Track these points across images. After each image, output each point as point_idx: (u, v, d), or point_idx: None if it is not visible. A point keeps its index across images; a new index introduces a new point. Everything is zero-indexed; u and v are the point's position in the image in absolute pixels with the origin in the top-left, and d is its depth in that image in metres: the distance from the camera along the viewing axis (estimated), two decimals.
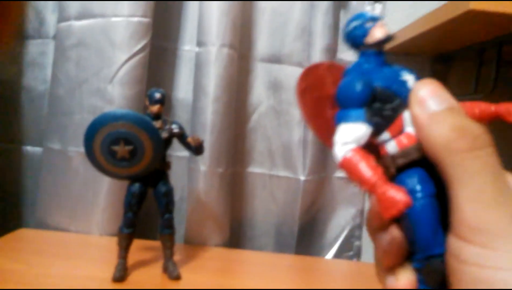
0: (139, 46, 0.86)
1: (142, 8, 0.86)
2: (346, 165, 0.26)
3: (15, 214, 1.00)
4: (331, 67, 0.31)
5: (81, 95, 0.88)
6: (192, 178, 0.91)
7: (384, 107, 0.27)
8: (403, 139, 0.26)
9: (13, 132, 1.00)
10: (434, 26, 0.72)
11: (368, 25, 0.27)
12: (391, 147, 0.27)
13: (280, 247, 1.01)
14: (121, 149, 0.65)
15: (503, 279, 0.22)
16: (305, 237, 1.00)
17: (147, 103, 0.69)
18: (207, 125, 0.88)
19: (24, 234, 0.88)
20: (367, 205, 0.99)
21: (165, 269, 0.71)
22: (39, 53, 0.99)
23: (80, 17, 0.88)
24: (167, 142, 0.71)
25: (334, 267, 0.93)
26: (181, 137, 0.72)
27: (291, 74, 0.97)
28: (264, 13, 0.98)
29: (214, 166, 0.89)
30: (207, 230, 0.93)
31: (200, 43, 0.91)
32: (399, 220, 0.26)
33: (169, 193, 0.71)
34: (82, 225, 0.89)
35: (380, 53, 0.28)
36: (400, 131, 0.27)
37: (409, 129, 0.26)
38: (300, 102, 0.31)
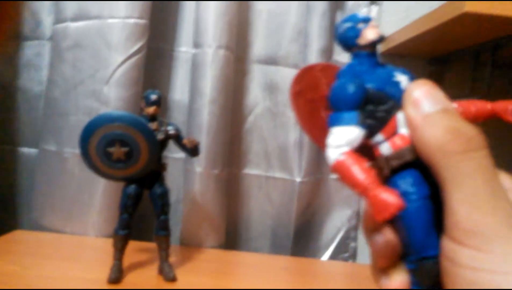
0: (135, 48, 0.86)
1: (138, 10, 0.86)
2: (339, 168, 0.26)
3: (10, 216, 1.00)
4: (325, 69, 0.31)
5: (77, 97, 0.88)
6: (188, 179, 0.91)
7: (377, 109, 0.27)
8: (397, 140, 0.26)
9: (9, 133, 1.00)
10: (430, 28, 0.72)
11: (359, 26, 0.27)
12: (385, 148, 0.27)
13: (276, 248, 1.01)
14: (117, 151, 0.65)
15: (497, 282, 0.22)
16: (301, 239, 1.00)
17: (143, 104, 0.69)
18: (203, 126, 0.88)
19: (19, 236, 0.88)
20: (362, 207, 0.99)
21: (161, 271, 0.71)
22: (35, 55, 0.99)
23: (76, 18, 0.87)
24: (163, 144, 0.71)
25: (330, 269, 0.93)
26: (177, 138, 0.72)
27: (287, 76, 0.97)
28: (261, 15, 0.98)
29: (210, 168, 0.89)
30: (203, 232, 0.92)
31: (196, 45, 0.91)
32: (393, 221, 0.26)
33: (165, 195, 0.71)
34: (77, 226, 0.89)
35: (372, 54, 0.28)
36: (394, 132, 0.27)
37: (403, 130, 0.26)
38: (294, 104, 0.32)
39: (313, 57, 0.94)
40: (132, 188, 0.69)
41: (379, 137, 0.27)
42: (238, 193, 1.00)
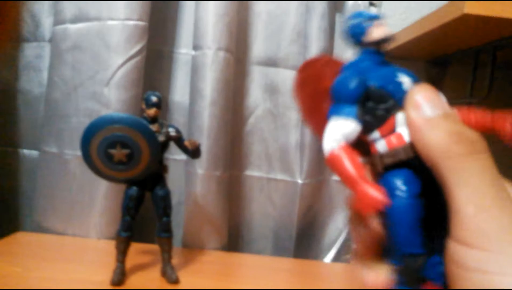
0: (135, 50, 0.86)
1: (138, 12, 0.86)
2: (332, 160, 0.26)
3: (12, 218, 1.00)
4: (330, 62, 0.31)
5: (77, 99, 0.88)
6: (190, 181, 0.91)
7: (377, 106, 0.27)
8: (393, 139, 0.27)
9: (10, 135, 1.00)
10: (430, 29, 0.72)
11: (366, 23, 0.28)
12: (381, 146, 0.27)
13: (278, 250, 1.01)
14: (118, 153, 0.65)
15: (507, 284, 0.21)
16: (303, 241, 1.00)
17: (143, 106, 0.69)
18: (204, 128, 0.88)
19: (21, 238, 0.88)
20: None
21: (163, 273, 0.71)
22: (35, 56, 0.99)
23: (76, 20, 0.88)
24: (164, 146, 0.71)
25: (332, 270, 0.93)
26: (178, 140, 0.72)
27: (287, 77, 0.98)
28: (260, 17, 0.98)
29: (212, 170, 0.89)
30: (205, 234, 0.93)
31: (196, 47, 0.91)
32: (380, 217, 0.27)
33: (166, 197, 0.71)
34: (79, 228, 0.89)
35: (379, 52, 0.28)
36: (391, 131, 0.27)
37: (400, 129, 0.26)
38: (297, 95, 0.32)
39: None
40: (134, 190, 0.69)
41: (376, 134, 0.27)
42: (239, 195, 1.00)
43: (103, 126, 0.64)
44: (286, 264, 0.92)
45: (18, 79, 0.99)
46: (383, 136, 0.27)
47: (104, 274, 0.68)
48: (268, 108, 0.99)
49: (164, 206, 0.71)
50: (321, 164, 0.98)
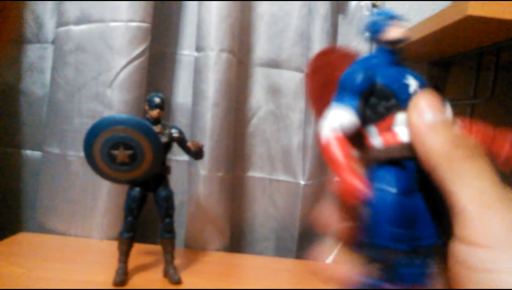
0: (138, 51, 0.87)
1: (141, 13, 0.86)
2: (325, 146, 0.27)
3: (14, 218, 1.00)
4: (347, 54, 0.31)
5: (80, 100, 0.88)
6: (192, 182, 0.92)
7: (379, 103, 0.28)
8: (389, 137, 0.27)
9: (12, 136, 1.00)
10: (433, 31, 0.72)
11: (385, 22, 0.28)
12: (377, 141, 0.28)
13: (280, 251, 1.01)
14: (121, 154, 0.65)
15: None
16: (305, 241, 1.00)
17: (146, 107, 0.69)
18: (207, 129, 0.88)
19: (23, 238, 0.88)
20: None
21: (166, 274, 0.71)
22: (38, 58, 0.99)
23: (79, 22, 0.88)
24: (167, 147, 0.71)
25: (335, 271, 0.93)
26: (181, 141, 0.72)
27: (290, 79, 0.98)
28: (263, 18, 0.98)
29: (214, 171, 0.89)
30: (207, 235, 0.93)
31: (199, 48, 0.91)
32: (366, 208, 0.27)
33: (169, 198, 0.71)
34: (81, 229, 0.89)
35: (393, 52, 0.28)
36: (388, 129, 0.27)
37: (398, 129, 0.27)
38: (308, 82, 0.32)
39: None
40: (136, 191, 0.69)
41: (373, 129, 0.28)
42: (242, 196, 1.00)
43: (106, 127, 0.64)
44: (289, 265, 0.92)
45: (21, 80, 0.99)
46: (380, 132, 0.28)
47: (106, 274, 0.68)
48: (271, 110, 0.99)
49: (167, 207, 0.71)
50: (324, 165, 0.98)
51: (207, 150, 0.84)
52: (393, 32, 0.27)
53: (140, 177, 0.68)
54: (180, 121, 0.96)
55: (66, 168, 0.89)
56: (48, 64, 0.97)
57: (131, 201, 0.69)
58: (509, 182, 0.26)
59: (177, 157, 0.95)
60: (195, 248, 0.92)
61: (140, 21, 0.86)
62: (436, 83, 0.96)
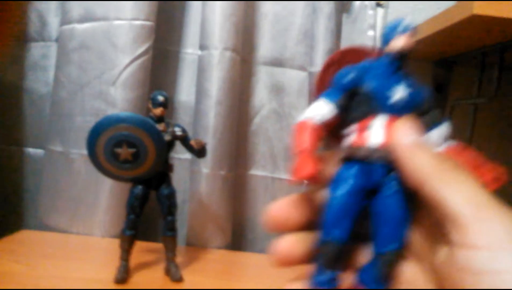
0: (142, 49, 0.87)
1: (144, 12, 0.86)
2: (295, 128, 0.29)
3: (16, 216, 1.01)
4: (363, 56, 0.31)
5: (84, 98, 0.88)
6: (194, 180, 0.92)
7: (359, 105, 0.29)
8: (358, 138, 0.28)
9: (15, 134, 1.00)
10: (438, 30, 0.72)
11: (397, 32, 0.28)
12: (348, 139, 0.29)
13: None
14: (124, 152, 0.65)
15: None
16: None
17: (150, 105, 0.69)
18: (210, 127, 0.88)
19: (25, 236, 0.88)
20: None
21: (167, 271, 0.71)
22: (41, 56, 0.99)
23: (82, 20, 0.88)
24: (170, 145, 0.71)
25: None
26: (184, 140, 0.72)
27: (293, 78, 0.98)
28: (267, 17, 0.98)
29: (217, 169, 0.89)
30: (209, 232, 0.93)
31: (202, 47, 0.91)
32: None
33: (172, 196, 0.71)
34: (83, 227, 0.89)
35: (395, 61, 0.29)
36: (362, 130, 0.28)
37: (370, 132, 0.28)
38: (319, 77, 0.33)
39: (319, 59, 0.94)
40: (139, 189, 0.69)
41: (350, 128, 0.29)
42: (244, 194, 1.00)
43: (109, 125, 0.64)
44: None
45: (24, 78, 1.00)
46: (355, 132, 0.29)
47: (108, 272, 0.68)
48: (274, 108, 0.99)
49: (169, 205, 0.71)
50: None
51: (209, 148, 0.84)
52: (398, 42, 0.28)
53: (143, 175, 0.68)
54: (183, 119, 0.96)
55: (68, 166, 0.89)
56: (51, 62, 0.97)
57: (133, 199, 0.69)
58: None
59: (180, 155, 0.95)
60: (196, 246, 0.92)
61: (144, 20, 0.86)
62: (440, 82, 0.96)
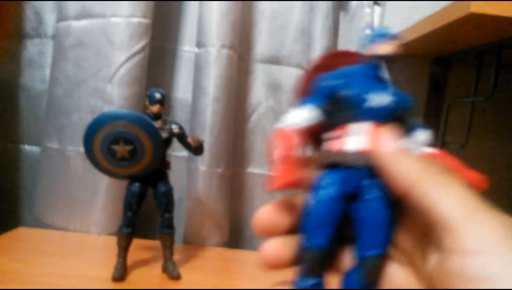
0: (138, 47, 0.86)
1: (141, 9, 0.86)
2: (275, 136, 0.28)
3: (13, 213, 1.00)
4: (349, 59, 0.31)
5: (80, 95, 0.87)
6: (191, 178, 0.91)
7: (339, 111, 0.29)
8: (339, 143, 0.28)
9: (12, 131, 1.00)
10: (435, 28, 0.72)
11: (378, 39, 0.28)
12: (326, 145, 0.29)
13: None
14: (121, 149, 0.65)
15: None
16: None
17: (147, 103, 0.69)
18: (207, 125, 0.88)
19: (22, 233, 0.87)
20: None
21: (165, 269, 0.71)
22: (38, 53, 0.99)
23: (79, 17, 0.87)
24: (167, 142, 0.71)
25: None
26: (181, 137, 0.72)
27: (291, 75, 0.98)
28: (264, 15, 0.98)
29: (214, 166, 0.89)
30: (206, 230, 0.92)
31: (199, 44, 0.91)
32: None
33: (169, 193, 0.71)
34: (80, 224, 0.89)
35: (376, 67, 0.29)
36: (343, 136, 0.28)
37: (349, 138, 0.28)
38: (302, 82, 0.33)
39: (315, 57, 0.94)
40: (136, 186, 0.69)
41: (329, 133, 0.29)
42: (241, 192, 1.00)
43: (106, 122, 0.63)
44: None
45: (20, 75, 0.99)
46: (334, 137, 0.29)
47: (105, 270, 0.68)
48: (271, 106, 0.99)
49: (166, 202, 0.71)
50: None
51: (206, 146, 0.84)
52: (379, 48, 0.28)
53: (140, 173, 0.68)
54: (180, 116, 0.96)
55: (65, 163, 0.89)
56: (48, 59, 0.97)
57: (130, 196, 0.69)
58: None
59: (177, 153, 0.95)
60: (194, 244, 0.92)
61: (141, 17, 0.86)
62: (437, 80, 0.96)
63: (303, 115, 0.29)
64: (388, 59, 0.28)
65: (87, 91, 0.87)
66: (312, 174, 0.29)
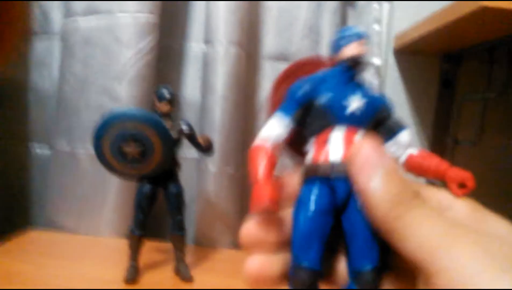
0: (146, 44, 0.86)
1: (148, 6, 0.85)
2: (249, 154, 0.28)
3: (23, 215, 1.00)
4: (319, 66, 0.31)
5: (89, 94, 0.87)
6: (202, 179, 0.91)
7: (315, 119, 0.28)
8: (318, 153, 0.27)
9: (22, 131, 0.99)
10: (444, 24, 0.71)
11: (346, 41, 0.28)
12: (307, 157, 0.28)
13: None
14: (131, 149, 0.64)
15: None
16: None
17: (155, 101, 0.69)
18: (216, 124, 0.88)
19: (32, 235, 0.87)
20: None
21: (177, 271, 0.71)
22: (45, 50, 0.98)
23: (86, 13, 0.87)
24: (177, 142, 0.70)
25: None
26: (191, 137, 0.71)
27: None
28: (271, 12, 0.97)
29: (224, 167, 0.89)
30: (217, 231, 0.92)
31: (207, 42, 0.90)
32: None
33: (180, 194, 0.70)
34: (91, 226, 0.89)
35: (350, 69, 0.28)
36: (321, 145, 0.27)
37: (329, 147, 0.27)
38: (273, 92, 0.32)
39: (324, 54, 0.93)
40: (147, 187, 0.68)
41: (309, 143, 0.28)
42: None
43: (116, 122, 0.63)
44: None
45: (28, 74, 0.99)
46: (314, 147, 0.28)
47: (116, 272, 0.68)
48: None
49: (178, 204, 0.70)
50: None
51: (216, 145, 0.83)
52: (349, 51, 0.27)
53: (150, 173, 0.67)
54: (188, 115, 0.95)
55: (75, 165, 0.89)
56: (55, 57, 0.97)
57: (141, 197, 0.68)
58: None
59: (186, 154, 0.94)
60: (205, 245, 0.92)
61: (148, 13, 0.85)
62: (448, 77, 0.95)
63: (277, 128, 0.28)
64: (356, 61, 0.28)
65: (95, 90, 0.87)
66: (297, 189, 0.27)
